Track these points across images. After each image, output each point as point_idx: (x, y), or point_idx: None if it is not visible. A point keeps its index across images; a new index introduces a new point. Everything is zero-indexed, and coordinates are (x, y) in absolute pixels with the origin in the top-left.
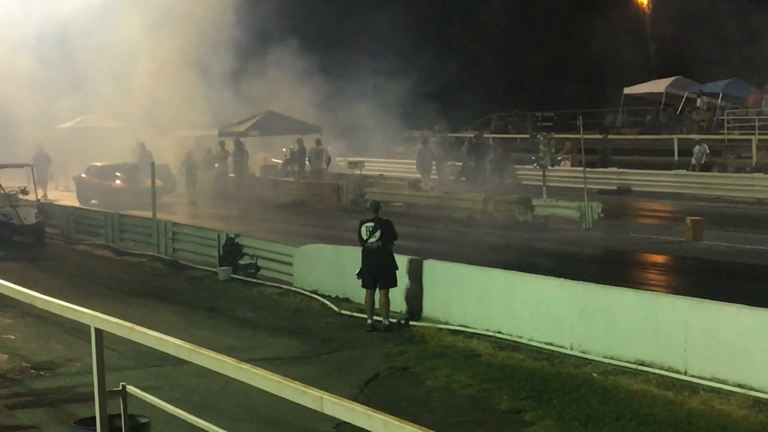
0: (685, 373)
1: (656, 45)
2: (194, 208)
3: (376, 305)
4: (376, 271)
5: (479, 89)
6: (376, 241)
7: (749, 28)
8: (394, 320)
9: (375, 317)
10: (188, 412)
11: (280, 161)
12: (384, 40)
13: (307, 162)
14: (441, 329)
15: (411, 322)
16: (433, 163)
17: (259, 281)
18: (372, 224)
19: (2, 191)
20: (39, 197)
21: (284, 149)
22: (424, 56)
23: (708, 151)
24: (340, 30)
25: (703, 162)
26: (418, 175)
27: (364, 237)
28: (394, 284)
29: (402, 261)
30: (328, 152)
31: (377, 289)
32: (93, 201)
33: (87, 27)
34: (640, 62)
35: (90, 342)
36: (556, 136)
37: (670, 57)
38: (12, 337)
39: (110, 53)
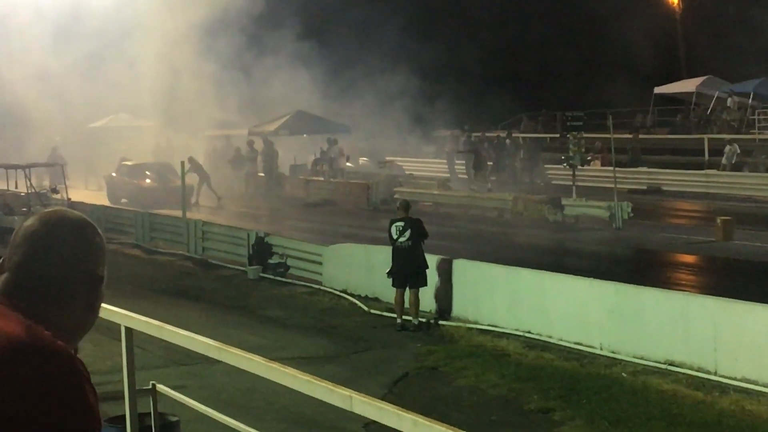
0: (715, 374)
1: (687, 44)
2: (223, 208)
3: (406, 305)
4: (407, 271)
5: (505, 88)
6: (407, 240)
7: None
8: (424, 320)
9: (404, 317)
10: (218, 411)
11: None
12: (404, 40)
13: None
14: (470, 329)
15: (440, 322)
16: (489, 163)
17: (289, 280)
18: (402, 223)
19: (33, 190)
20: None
21: (320, 148)
22: (448, 55)
23: (739, 151)
24: (359, 26)
25: (734, 162)
26: (448, 175)
27: (395, 236)
28: (424, 283)
29: (432, 260)
30: (345, 151)
31: (407, 289)
32: (123, 200)
33: (102, 23)
34: (670, 61)
35: (120, 341)
36: (586, 135)
37: (701, 56)
38: None
39: (127, 50)
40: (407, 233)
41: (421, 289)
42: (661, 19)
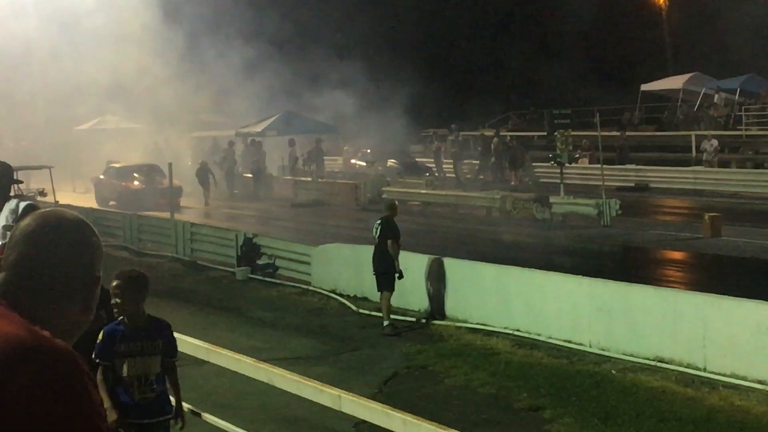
0: (705, 370)
1: (673, 41)
2: (210, 209)
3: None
4: (373, 271)
5: (492, 86)
6: (376, 238)
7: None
8: (387, 323)
9: (393, 316)
10: (207, 413)
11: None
12: (387, 39)
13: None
14: (460, 327)
15: (430, 321)
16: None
17: (278, 281)
18: (379, 222)
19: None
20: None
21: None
22: (433, 54)
23: (718, 146)
24: (341, 28)
25: (714, 158)
26: (436, 173)
27: (374, 235)
28: (386, 287)
29: (422, 260)
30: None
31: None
32: (111, 202)
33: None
34: (656, 58)
35: None
36: (573, 133)
37: (687, 53)
38: None
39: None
40: (377, 231)
41: (409, 288)
42: (647, 16)
